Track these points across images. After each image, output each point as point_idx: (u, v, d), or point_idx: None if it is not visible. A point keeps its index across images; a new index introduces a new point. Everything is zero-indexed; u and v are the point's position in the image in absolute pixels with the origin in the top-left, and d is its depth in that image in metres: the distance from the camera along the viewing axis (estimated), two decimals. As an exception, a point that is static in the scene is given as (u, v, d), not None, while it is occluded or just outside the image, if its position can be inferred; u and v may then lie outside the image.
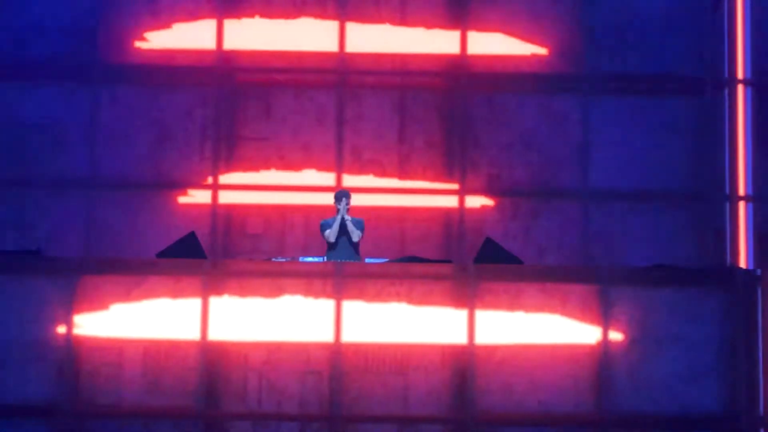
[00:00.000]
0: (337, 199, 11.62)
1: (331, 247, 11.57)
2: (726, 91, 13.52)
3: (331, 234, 11.56)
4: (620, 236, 13.33)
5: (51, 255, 11.76)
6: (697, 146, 13.50)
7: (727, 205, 13.36)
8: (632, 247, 13.24)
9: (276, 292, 10.59)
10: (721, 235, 13.34)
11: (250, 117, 13.59)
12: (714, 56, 13.61)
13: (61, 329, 10.49)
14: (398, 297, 10.61)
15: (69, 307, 10.51)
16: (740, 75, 13.44)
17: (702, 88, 13.55)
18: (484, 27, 13.63)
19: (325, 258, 11.51)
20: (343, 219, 11.55)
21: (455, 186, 13.52)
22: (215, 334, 10.56)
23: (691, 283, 10.76)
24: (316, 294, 10.60)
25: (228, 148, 13.50)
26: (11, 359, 10.47)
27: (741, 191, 13.29)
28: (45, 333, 10.50)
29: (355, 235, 11.54)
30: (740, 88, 13.39)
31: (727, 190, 13.37)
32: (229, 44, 13.58)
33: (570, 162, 13.53)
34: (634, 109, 13.57)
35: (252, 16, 13.66)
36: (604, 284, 10.69)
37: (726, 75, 13.52)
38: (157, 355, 10.53)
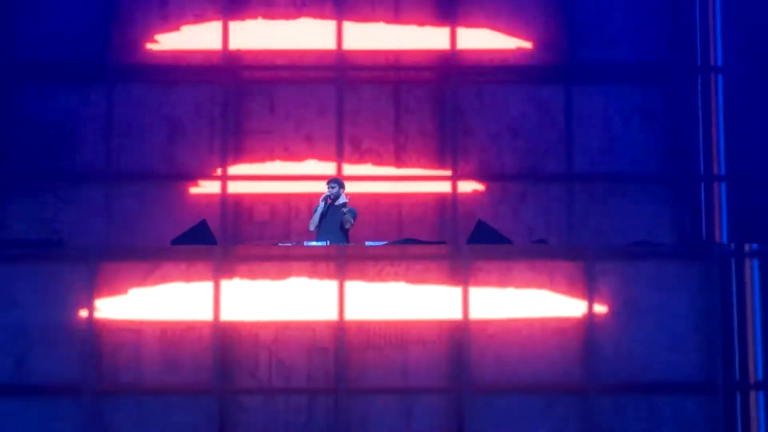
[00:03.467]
0: (328, 185, 11.77)
1: (320, 232, 11.65)
2: (699, 78, 13.54)
3: (311, 224, 11.68)
4: (603, 216, 13.34)
5: (73, 244, 11.77)
6: (673, 130, 13.51)
7: (702, 185, 13.39)
8: (615, 225, 13.25)
9: (283, 274, 10.66)
10: (698, 212, 13.37)
11: (255, 112, 13.60)
12: (688, 44, 13.63)
13: (83, 313, 10.55)
14: (397, 276, 10.67)
15: (90, 293, 10.57)
16: (713, 62, 13.49)
17: (677, 75, 13.58)
18: (472, 23, 13.63)
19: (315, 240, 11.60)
20: (330, 207, 11.66)
21: (448, 172, 13.54)
22: (227, 315, 10.63)
23: (671, 258, 10.83)
24: (321, 275, 10.66)
25: (235, 141, 13.52)
26: (37, 342, 10.52)
27: (715, 171, 13.34)
28: (68, 317, 10.56)
29: (348, 224, 11.63)
30: (712, 75, 13.43)
31: (702, 171, 13.39)
32: (234, 44, 13.57)
33: (555, 147, 13.54)
34: (613, 96, 13.57)
35: (255, 17, 13.66)
36: (589, 261, 10.74)
37: (699, 63, 13.55)
38: (173, 335, 10.59)
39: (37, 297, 10.55)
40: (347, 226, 11.66)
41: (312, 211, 11.89)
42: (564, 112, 13.59)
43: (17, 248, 10.87)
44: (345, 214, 11.68)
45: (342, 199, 11.83)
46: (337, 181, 11.88)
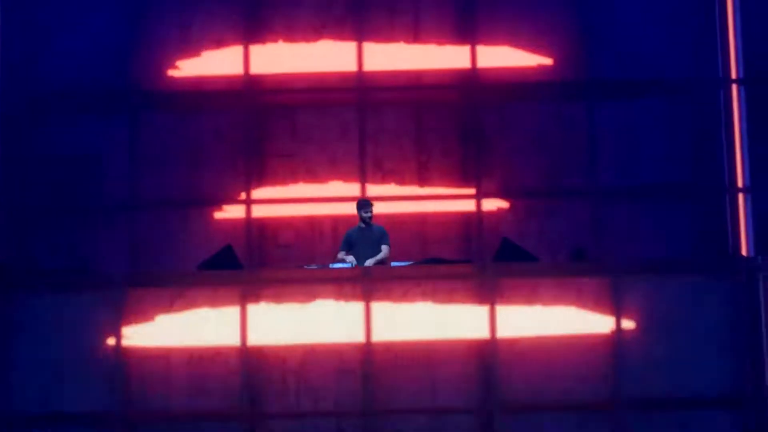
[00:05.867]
0: (360, 207, 11.73)
1: (358, 259, 11.58)
2: (721, 90, 13.43)
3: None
4: (628, 230, 13.20)
5: (99, 272, 11.81)
6: (696, 143, 13.42)
7: (727, 197, 13.26)
8: (640, 240, 13.10)
9: (309, 297, 10.69)
10: (723, 225, 13.25)
11: (277, 135, 13.57)
12: (709, 57, 13.54)
13: (111, 341, 10.62)
14: (423, 296, 10.69)
15: (117, 320, 10.63)
16: (734, 75, 13.39)
17: (699, 88, 13.48)
18: (491, 41, 13.53)
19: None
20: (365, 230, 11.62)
21: (472, 191, 13.41)
22: (254, 339, 10.67)
23: (696, 272, 10.83)
24: (347, 297, 10.69)
25: (258, 165, 13.48)
26: (66, 371, 10.62)
27: (740, 183, 13.23)
28: (96, 345, 10.65)
29: (386, 252, 11.57)
30: (734, 87, 13.33)
31: (726, 183, 13.28)
32: (255, 68, 13.51)
33: (578, 163, 13.43)
34: (636, 110, 13.48)
35: (275, 41, 13.63)
36: (616, 276, 10.73)
37: (720, 75, 13.46)
38: (201, 361, 10.65)
39: (65, 326, 10.63)
40: (386, 251, 11.60)
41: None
42: (587, 127, 13.45)
43: (43, 278, 10.89)
44: (383, 236, 11.64)
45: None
46: (370, 203, 11.82)
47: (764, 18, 13.51)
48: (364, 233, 11.73)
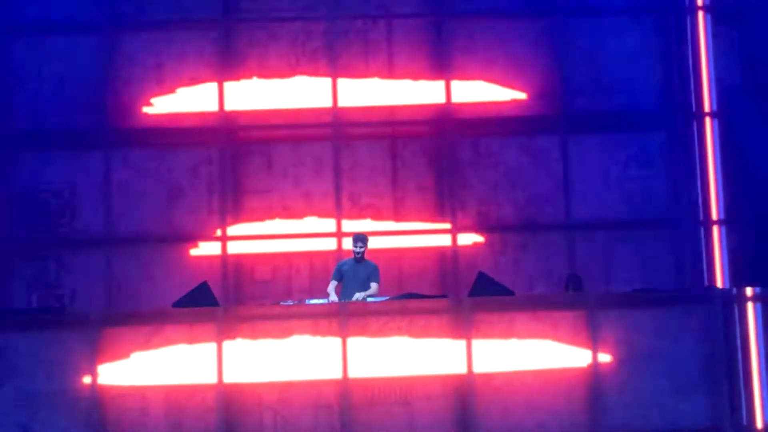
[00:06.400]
0: (353, 241, 11.65)
1: (348, 294, 11.55)
2: (694, 124, 13.54)
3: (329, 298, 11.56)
4: (604, 263, 13.35)
5: (74, 310, 11.75)
6: (671, 175, 13.56)
7: (702, 229, 13.37)
8: (616, 273, 13.25)
9: (285, 333, 10.60)
10: (698, 257, 13.37)
11: (253, 171, 13.63)
12: (682, 91, 13.65)
13: (87, 379, 10.49)
14: (399, 331, 10.61)
15: (93, 358, 10.51)
16: (707, 108, 13.51)
17: (672, 121, 13.60)
18: (466, 76, 13.68)
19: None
20: (355, 265, 11.57)
21: (447, 225, 13.54)
22: (230, 376, 10.56)
23: (672, 304, 10.77)
24: (323, 333, 10.60)
25: (234, 201, 13.54)
26: (41, 410, 10.45)
27: (714, 216, 13.32)
28: (72, 384, 10.49)
29: (375, 287, 11.54)
30: (707, 120, 13.44)
31: (701, 216, 13.38)
32: (230, 105, 13.63)
33: (553, 197, 13.58)
34: (610, 144, 13.63)
35: (250, 77, 13.71)
36: (591, 309, 10.68)
37: (693, 108, 13.56)
38: (177, 398, 10.52)
39: (40, 365, 10.48)
40: (375, 288, 11.58)
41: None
42: (561, 161, 13.63)
43: (20, 316, 10.81)
44: (373, 273, 11.62)
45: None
46: (363, 238, 11.77)
47: (736, 48, 13.63)
48: (355, 267, 11.67)
